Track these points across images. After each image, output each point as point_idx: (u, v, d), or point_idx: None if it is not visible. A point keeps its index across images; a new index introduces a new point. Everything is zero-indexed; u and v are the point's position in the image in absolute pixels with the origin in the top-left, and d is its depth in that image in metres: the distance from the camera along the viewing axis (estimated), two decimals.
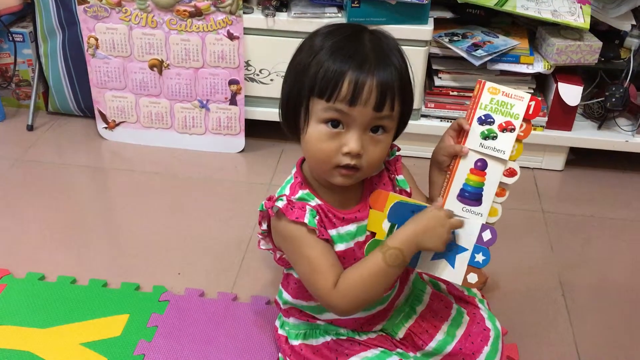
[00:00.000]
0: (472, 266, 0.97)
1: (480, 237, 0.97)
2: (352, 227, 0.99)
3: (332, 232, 0.97)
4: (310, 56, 0.91)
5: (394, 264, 0.92)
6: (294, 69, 0.94)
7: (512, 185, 0.98)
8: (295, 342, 1.09)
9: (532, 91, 1.72)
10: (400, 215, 0.96)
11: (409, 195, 1.05)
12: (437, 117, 1.77)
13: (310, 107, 0.91)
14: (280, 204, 0.96)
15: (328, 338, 1.06)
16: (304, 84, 0.91)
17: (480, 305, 1.11)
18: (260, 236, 1.07)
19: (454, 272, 0.97)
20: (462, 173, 0.98)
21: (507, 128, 0.97)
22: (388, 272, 0.93)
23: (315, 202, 0.97)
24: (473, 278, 0.97)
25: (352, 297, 0.93)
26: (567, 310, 1.33)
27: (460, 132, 0.99)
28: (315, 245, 0.95)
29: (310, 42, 0.94)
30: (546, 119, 1.74)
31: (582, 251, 1.52)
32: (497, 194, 0.98)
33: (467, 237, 0.97)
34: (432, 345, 1.05)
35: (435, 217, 0.93)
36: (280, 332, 1.14)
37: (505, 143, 0.97)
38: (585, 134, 1.76)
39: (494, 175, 0.97)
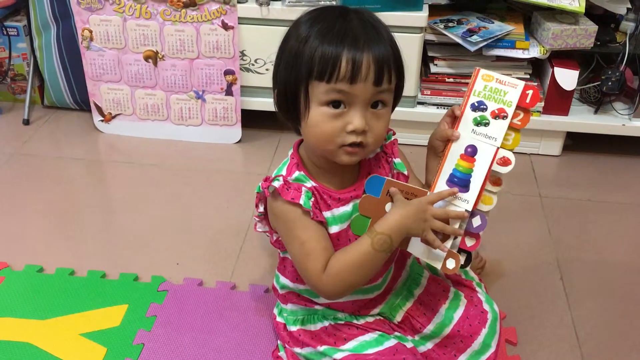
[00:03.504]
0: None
1: (470, 222, 0.97)
2: (348, 208, 0.99)
3: (327, 214, 0.98)
4: (302, 42, 0.90)
5: (381, 249, 0.93)
6: (287, 57, 0.93)
7: (508, 174, 0.96)
8: (293, 328, 1.09)
9: (527, 76, 1.72)
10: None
11: (407, 178, 1.06)
12: (434, 104, 1.77)
13: (310, 91, 0.91)
14: (276, 183, 0.96)
15: (326, 323, 1.07)
16: (300, 69, 0.90)
17: (477, 288, 1.11)
18: (256, 219, 1.07)
19: (434, 255, 0.97)
20: (453, 158, 0.97)
21: (499, 115, 0.96)
22: (376, 257, 0.93)
23: (310, 183, 0.98)
24: (451, 264, 0.96)
25: (340, 281, 0.94)
26: (565, 293, 1.33)
27: (455, 119, 0.99)
28: (308, 228, 0.95)
29: (296, 29, 0.93)
30: (543, 104, 1.74)
31: (579, 235, 1.52)
32: (493, 183, 0.97)
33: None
34: (430, 327, 1.06)
35: (419, 204, 0.93)
36: (278, 319, 1.14)
37: (497, 130, 0.96)
38: (582, 119, 1.76)
39: (484, 162, 0.96)
